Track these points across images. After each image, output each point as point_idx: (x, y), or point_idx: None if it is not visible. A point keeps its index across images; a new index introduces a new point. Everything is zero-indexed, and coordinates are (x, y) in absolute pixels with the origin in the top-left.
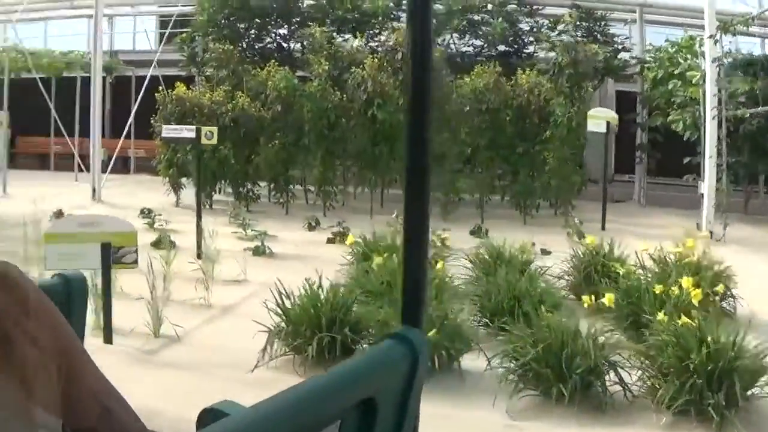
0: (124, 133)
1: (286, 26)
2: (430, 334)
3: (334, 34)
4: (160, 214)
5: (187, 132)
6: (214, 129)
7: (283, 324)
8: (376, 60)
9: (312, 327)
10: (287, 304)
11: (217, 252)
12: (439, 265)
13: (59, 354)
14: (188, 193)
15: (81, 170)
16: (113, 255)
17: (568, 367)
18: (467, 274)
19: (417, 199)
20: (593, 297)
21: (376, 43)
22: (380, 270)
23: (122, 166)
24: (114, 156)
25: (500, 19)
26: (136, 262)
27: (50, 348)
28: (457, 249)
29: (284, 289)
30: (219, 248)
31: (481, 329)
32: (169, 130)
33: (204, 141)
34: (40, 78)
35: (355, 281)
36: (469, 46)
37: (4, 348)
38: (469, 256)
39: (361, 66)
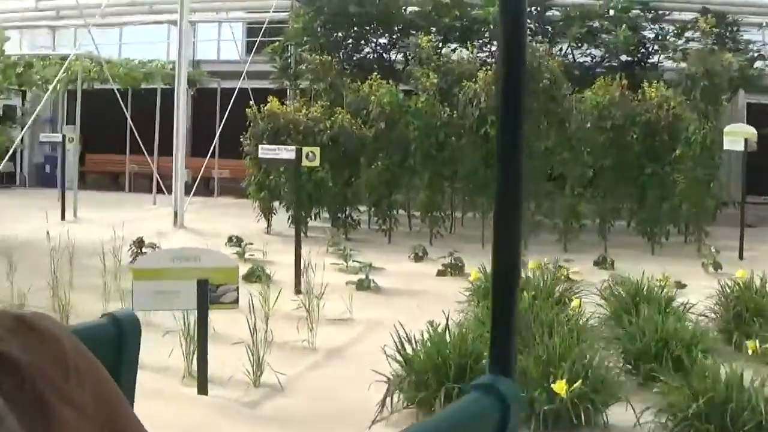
0: (210, 151)
1: (386, 35)
2: (575, 385)
3: (440, 43)
4: (251, 243)
5: (286, 153)
6: (317, 149)
7: (403, 372)
8: (489, 72)
9: (438, 376)
10: (407, 348)
11: (323, 287)
12: (574, 303)
13: (101, 416)
14: (280, 219)
15: (160, 192)
16: (211, 294)
17: (733, 422)
18: (601, 313)
19: (507, 231)
20: (758, 342)
21: (486, 54)
22: None
23: (204, 188)
24: (198, 177)
25: (623, 26)
26: (236, 301)
27: (91, 410)
28: (584, 283)
29: (404, 331)
30: (320, 282)
31: (625, 376)
32: (266, 151)
33: (305, 162)
34: (115, 90)
35: (480, 322)
36: (586, 56)
37: (39, 413)
38: (601, 292)
39: (473, 79)
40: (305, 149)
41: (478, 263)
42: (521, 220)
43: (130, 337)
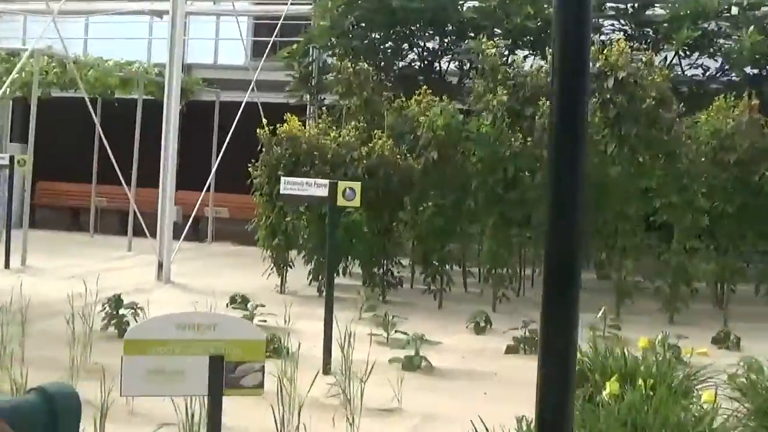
0: (207, 184)
1: (437, 38)
2: None
3: (507, 50)
4: (262, 304)
5: (316, 188)
6: (357, 185)
7: None
8: None
9: None
10: None
11: (370, 367)
12: (705, 397)
13: None
14: (296, 275)
15: (137, 234)
16: (227, 374)
17: None
18: (733, 408)
19: (560, 303)
20: None
21: None
22: (616, 403)
23: (192, 230)
24: (192, 216)
25: (751, 28)
26: (261, 385)
27: None
28: (708, 369)
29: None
30: (357, 358)
31: None
32: (290, 185)
33: (342, 201)
34: (86, 99)
35: (578, 420)
36: (697, 67)
37: None
38: (732, 380)
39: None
40: (341, 184)
41: None
42: (578, 281)
43: (66, 417)
